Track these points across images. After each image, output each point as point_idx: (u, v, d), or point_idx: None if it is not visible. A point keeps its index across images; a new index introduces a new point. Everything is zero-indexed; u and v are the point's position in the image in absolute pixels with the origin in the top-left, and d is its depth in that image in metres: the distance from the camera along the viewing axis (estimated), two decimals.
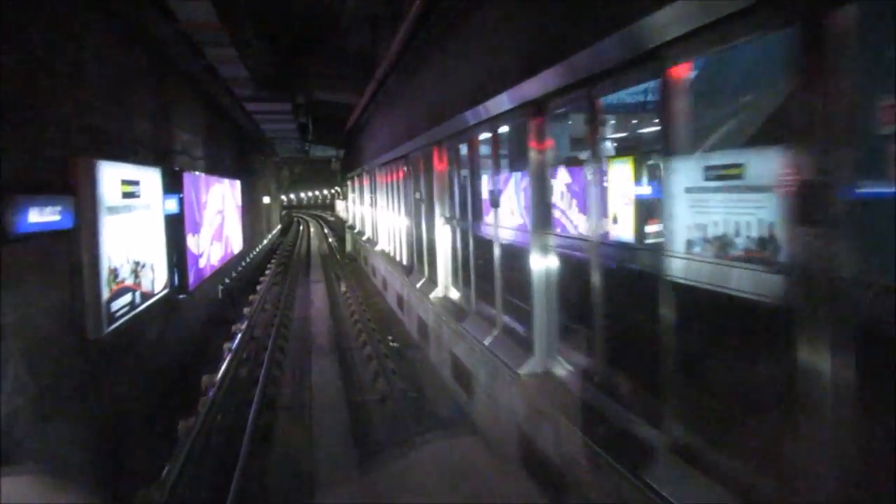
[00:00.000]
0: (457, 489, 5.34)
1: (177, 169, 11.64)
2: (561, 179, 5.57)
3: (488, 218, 7.55)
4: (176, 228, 11.38)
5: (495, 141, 6.90)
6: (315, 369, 9.57)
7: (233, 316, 14.22)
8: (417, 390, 8.51)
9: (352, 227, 29.92)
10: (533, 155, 5.77)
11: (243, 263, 21.36)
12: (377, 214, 19.12)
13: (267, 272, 20.53)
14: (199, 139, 14.68)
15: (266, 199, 34.28)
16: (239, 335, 10.97)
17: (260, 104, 14.81)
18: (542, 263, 5.71)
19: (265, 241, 32.26)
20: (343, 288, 18.25)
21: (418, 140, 10.86)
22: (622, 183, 4.87)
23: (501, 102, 6.11)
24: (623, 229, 4.82)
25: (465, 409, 7.57)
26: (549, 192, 5.73)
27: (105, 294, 6.89)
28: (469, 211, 8.32)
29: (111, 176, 7.34)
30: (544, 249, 5.69)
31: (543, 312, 5.67)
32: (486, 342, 6.78)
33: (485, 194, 7.80)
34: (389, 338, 12.37)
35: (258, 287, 16.81)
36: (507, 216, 6.88)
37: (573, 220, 5.37)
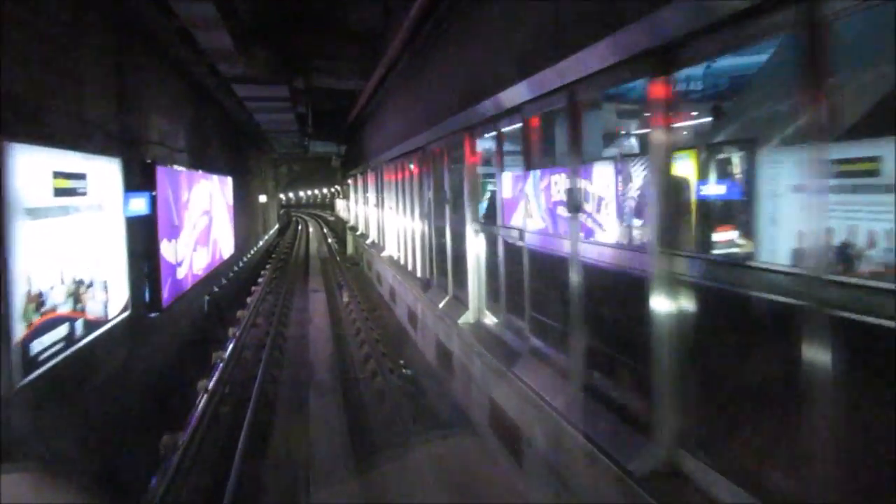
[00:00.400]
0: None
1: (149, 161, 9.63)
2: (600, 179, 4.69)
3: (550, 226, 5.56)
4: (146, 234, 9.38)
5: (575, 116, 4.87)
6: (314, 419, 7.56)
7: (220, 334, 12.21)
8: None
9: (353, 229, 27.90)
10: (658, 137, 3.76)
11: (235, 268, 19.34)
12: (383, 216, 17.12)
13: (261, 279, 18.50)
14: (181, 128, 12.67)
15: (262, 198, 32.25)
16: (219, 370, 8.92)
17: (253, 88, 12.78)
18: (668, 299, 3.69)
19: (261, 243, 30.24)
20: (345, 298, 16.25)
21: (441, 128, 8.89)
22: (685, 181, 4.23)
23: (587, 60, 4.10)
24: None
25: (522, 484, 5.55)
26: (683, 189, 3.75)
27: (19, 331, 4.88)
28: (522, 218, 6.32)
29: (35, 166, 5.33)
30: (669, 280, 3.68)
31: (670, 369, 3.66)
32: (559, 405, 4.77)
33: (541, 197, 5.80)
34: (401, 362, 10.40)
35: (249, 299, 14.76)
36: (589, 225, 4.90)
37: (603, 225, 4.66)
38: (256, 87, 12.58)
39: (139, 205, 8.83)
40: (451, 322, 8.26)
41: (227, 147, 19.31)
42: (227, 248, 17.10)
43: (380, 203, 18.32)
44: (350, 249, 29.54)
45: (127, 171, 8.33)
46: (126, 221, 8.11)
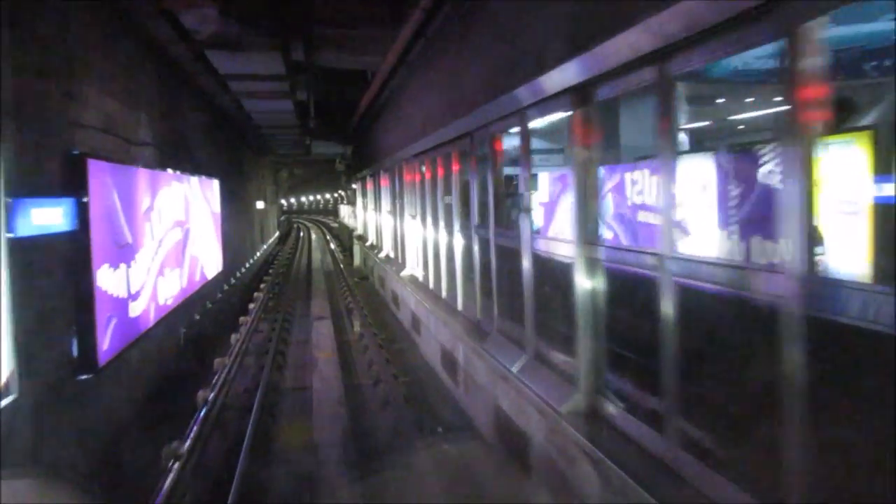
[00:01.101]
0: None
1: (76, 153, 6.58)
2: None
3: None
4: (67, 259, 6.32)
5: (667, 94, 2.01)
6: None
7: (199, 379, 9.13)
8: None
9: (361, 238, 24.85)
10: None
11: (226, 286, 16.28)
12: (402, 225, 14.06)
13: (255, 301, 15.41)
14: (143, 115, 9.62)
15: (260, 205, 29.22)
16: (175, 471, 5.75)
17: (237, 60, 9.71)
18: None
19: (259, 254, 27.18)
20: (356, 327, 13.19)
21: (494, 106, 5.91)
22: (843, 178, 3.27)
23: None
24: (839, 257, 3.18)
25: None
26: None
27: None
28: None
29: None
30: None
31: None
32: None
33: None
34: (439, 428, 7.40)
35: (234, 336, 11.64)
36: None
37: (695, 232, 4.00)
38: (242, 59, 9.53)
39: (51, 217, 5.78)
40: (538, 402, 5.15)
41: (214, 144, 16.26)
42: (212, 266, 14.03)
43: (396, 209, 15.27)
44: (357, 260, 26.48)
45: (24, 163, 5.29)
46: (17, 246, 5.05)
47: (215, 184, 15.06)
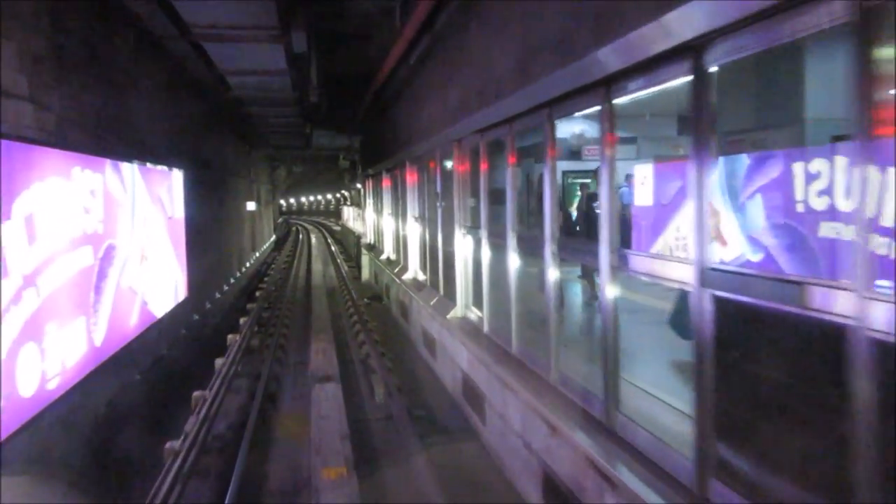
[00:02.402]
0: None
1: None
2: None
3: None
4: None
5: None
6: None
7: None
8: None
9: (372, 249, 20.42)
10: None
11: (198, 317, 11.84)
12: (441, 240, 9.63)
13: (233, 344, 10.90)
14: (11, 44, 5.21)
15: (251, 206, 24.78)
16: None
17: None
18: None
19: (248, 266, 22.73)
20: (379, 395, 8.79)
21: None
22: None
23: None
24: None
25: None
26: None
27: None
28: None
29: None
30: None
31: None
32: None
33: None
34: None
35: (188, 425, 7.15)
36: None
37: None
38: None
39: None
40: None
41: (176, 122, 11.76)
42: (165, 297, 9.59)
43: (429, 216, 10.83)
44: (366, 273, 22.07)
45: None
46: None
47: (176, 177, 10.63)
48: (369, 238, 21.94)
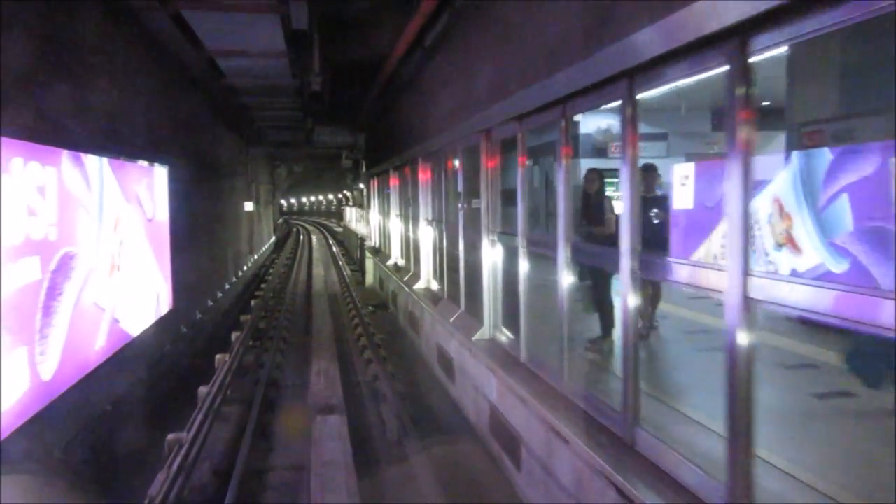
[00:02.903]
0: None
1: None
2: None
3: None
4: None
5: None
6: None
7: None
8: None
9: (377, 253, 19.12)
10: None
11: (184, 330, 10.55)
12: (463, 247, 8.31)
13: (223, 366, 9.57)
14: None
15: (248, 206, 23.48)
16: None
17: None
18: None
19: (245, 269, 21.42)
20: (392, 430, 7.48)
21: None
22: None
23: None
24: None
25: None
26: None
27: None
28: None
29: None
30: None
31: None
32: None
33: None
34: None
35: (158, 482, 5.82)
36: None
37: None
38: None
39: None
40: None
41: (161, 111, 10.44)
42: (143, 311, 8.29)
43: (441, 219, 9.52)
44: (370, 278, 20.77)
45: None
46: None
47: (159, 173, 9.33)
48: (374, 241, 20.64)
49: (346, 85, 15.03)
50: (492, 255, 7.16)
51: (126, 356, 7.65)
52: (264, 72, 10.02)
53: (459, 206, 8.22)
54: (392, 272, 14.94)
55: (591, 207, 6.72)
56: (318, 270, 23.87)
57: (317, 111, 15.47)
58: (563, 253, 5.15)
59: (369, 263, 21.16)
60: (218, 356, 8.75)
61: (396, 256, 15.40)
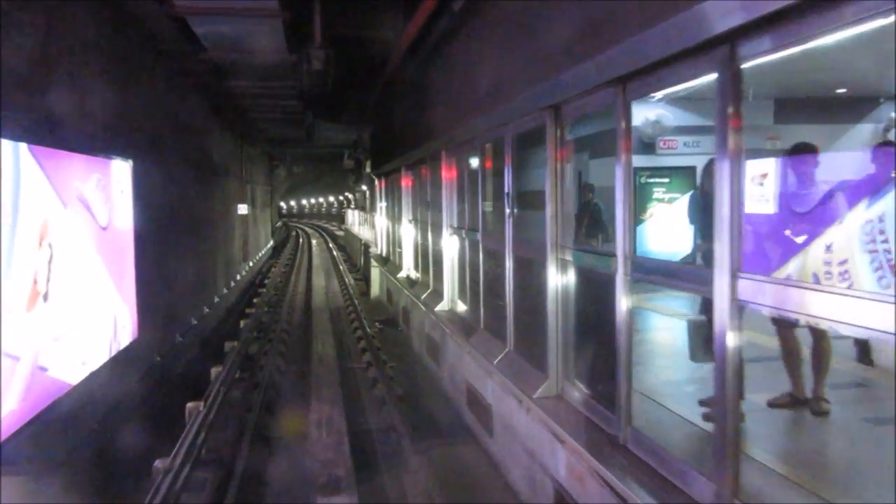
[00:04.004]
0: None
1: None
2: None
3: None
4: None
5: None
6: None
7: None
8: None
9: (385, 260, 17.10)
10: None
11: (152, 366, 8.53)
12: (527, 268, 6.30)
13: (190, 419, 7.51)
14: None
15: (243, 209, 21.47)
16: None
17: None
18: None
19: (238, 279, 19.42)
20: None
21: None
22: None
23: None
24: None
25: None
26: None
27: None
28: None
29: None
30: None
31: None
32: None
33: None
34: None
35: None
36: None
37: None
38: None
39: None
40: None
41: (124, 92, 8.39)
42: (92, 348, 6.29)
43: (477, 228, 7.49)
44: (376, 289, 18.79)
45: None
46: None
47: (119, 169, 7.33)
48: (380, 248, 18.63)
49: (350, 70, 13.06)
50: (561, 280, 5.16)
51: (61, 412, 5.66)
52: (251, 43, 8.02)
53: (507, 211, 6.21)
54: (404, 286, 12.93)
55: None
56: (318, 281, 21.85)
57: (318, 100, 13.47)
58: (728, 293, 3.14)
59: (375, 273, 19.16)
60: (189, 405, 6.73)
61: (409, 267, 13.40)
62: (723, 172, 3.19)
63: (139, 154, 8.15)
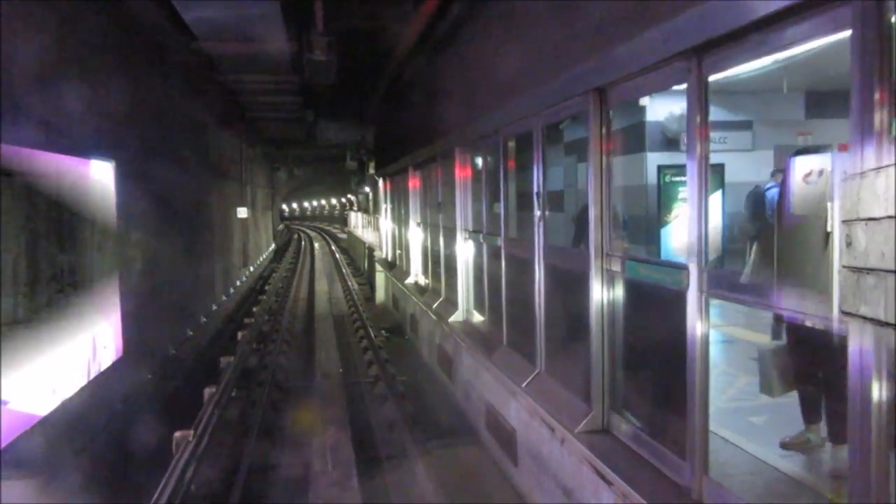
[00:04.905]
0: None
1: None
2: None
3: None
4: None
5: None
6: None
7: None
8: None
9: (391, 265, 16.33)
10: None
11: (131, 396, 7.78)
12: (560, 280, 5.54)
13: (178, 450, 6.72)
14: None
15: (242, 213, 20.73)
16: None
17: None
18: None
19: (237, 285, 18.67)
20: None
21: None
22: None
23: None
24: None
25: None
26: None
27: None
28: None
29: None
30: None
31: None
32: None
33: None
34: None
35: None
36: None
37: None
38: None
39: None
40: None
41: (102, 82, 7.63)
42: (66, 374, 5.53)
43: (500, 233, 6.72)
44: (381, 294, 18.03)
45: None
46: None
47: (98, 171, 6.58)
48: (385, 252, 17.86)
49: (354, 66, 12.31)
50: (607, 295, 4.38)
51: (26, 447, 4.89)
52: (247, 29, 7.25)
53: (537, 213, 5.43)
54: (413, 293, 12.15)
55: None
56: (321, 285, 21.09)
57: (319, 97, 12.71)
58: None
59: (380, 278, 18.41)
60: (177, 434, 5.97)
61: (417, 273, 12.63)
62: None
63: (122, 155, 7.39)
